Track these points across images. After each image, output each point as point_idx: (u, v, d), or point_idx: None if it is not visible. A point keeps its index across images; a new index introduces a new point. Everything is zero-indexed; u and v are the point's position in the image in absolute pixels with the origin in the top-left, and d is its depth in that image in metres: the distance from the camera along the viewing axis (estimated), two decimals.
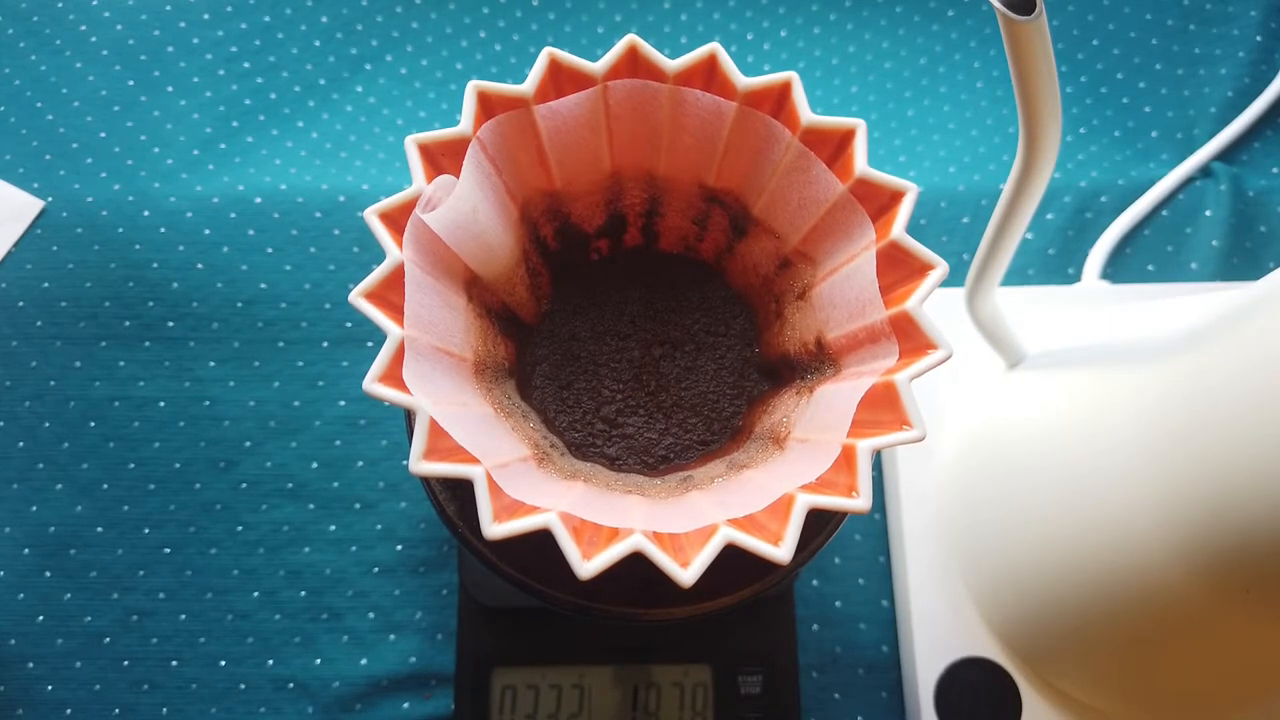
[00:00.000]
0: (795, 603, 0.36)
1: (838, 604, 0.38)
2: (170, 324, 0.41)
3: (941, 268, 0.20)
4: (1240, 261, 0.42)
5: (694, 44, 0.46)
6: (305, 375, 0.40)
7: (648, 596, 0.23)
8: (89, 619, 0.37)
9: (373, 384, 0.19)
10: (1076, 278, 0.42)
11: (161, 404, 0.40)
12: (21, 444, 0.39)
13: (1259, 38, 0.46)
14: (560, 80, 0.22)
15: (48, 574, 0.38)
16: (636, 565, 0.19)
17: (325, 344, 0.41)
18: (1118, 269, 0.42)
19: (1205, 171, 0.44)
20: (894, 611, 0.37)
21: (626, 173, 0.26)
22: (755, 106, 0.23)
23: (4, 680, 0.36)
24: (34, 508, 0.38)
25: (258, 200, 0.42)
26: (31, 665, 0.36)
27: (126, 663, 0.37)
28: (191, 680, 0.36)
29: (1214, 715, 0.30)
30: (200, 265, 0.41)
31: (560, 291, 0.27)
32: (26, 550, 0.38)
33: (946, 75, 0.47)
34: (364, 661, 0.37)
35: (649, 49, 0.22)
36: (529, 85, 0.22)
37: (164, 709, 0.36)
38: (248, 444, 0.39)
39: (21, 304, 0.41)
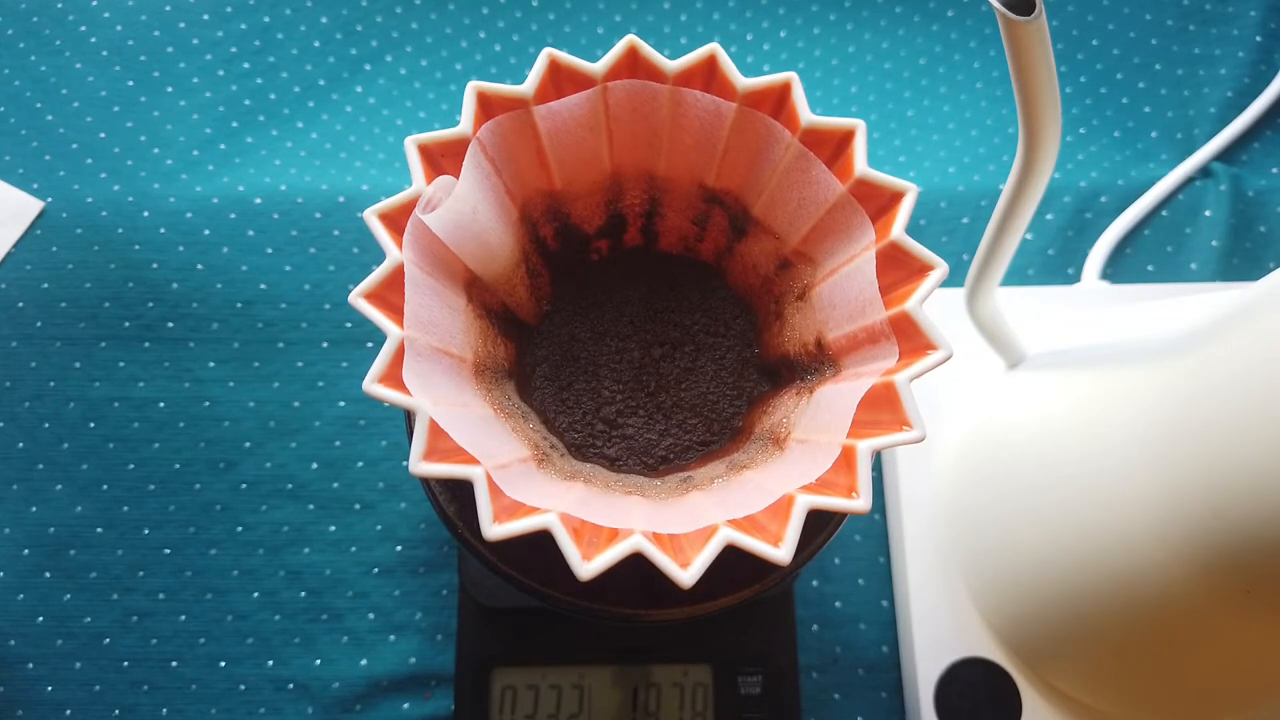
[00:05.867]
0: (795, 603, 0.36)
1: (838, 604, 0.38)
2: (170, 324, 0.41)
3: (941, 268, 0.20)
4: (1240, 261, 0.42)
5: (694, 44, 0.47)
6: (305, 376, 0.40)
7: (648, 597, 0.23)
8: (89, 620, 0.37)
9: (372, 385, 0.19)
10: (1076, 278, 0.42)
11: (161, 404, 0.40)
12: (21, 444, 0.39)
13: (1259, 38, 0.46)
14: (560, 81, 0.22)
15: (47, 575, 0.38)
16: (636, 566, 0.19)
17: (325, 344, 0.41)
18: (1118, 269, 0.42)
19: (1205, 172, 0.44)
20: (894, 611, 0.37)
21: (626, 173, 0.25)
22: (755, 107, 0.23)
23: (4, 681, 0.36)
24: (34, 508, 0.38)
25: (257, 201, 0.42)
26: (31, 666, 0.36)
27: (126, 663, 0.37)
28: (191, 681, 0.36)
29: (1214, 715, 0.30)
30: (200, 266, 0.41)
31: (560, 292, 0.27)
32: (26, 551, 0.38)
33: (946, 75, 0.47)
34: (364, 662, 0.37)
35: (648, 49, 0.22)
36: (529, 86, 0.22)
37: (164, 709, 0.36)
38: (247, 444, 0.39)
39: (21, 304, 0.41)
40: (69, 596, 0.37)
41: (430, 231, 0.21)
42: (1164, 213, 0.43)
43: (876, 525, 0.39)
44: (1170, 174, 0.43)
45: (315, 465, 0.39)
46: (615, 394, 0.26)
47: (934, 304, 0.34)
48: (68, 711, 0.36)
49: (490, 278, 0.24)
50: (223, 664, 0.37)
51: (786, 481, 0.20)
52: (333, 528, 0.38)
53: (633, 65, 0.22)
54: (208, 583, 0.38)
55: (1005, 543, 0.32)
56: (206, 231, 0.42)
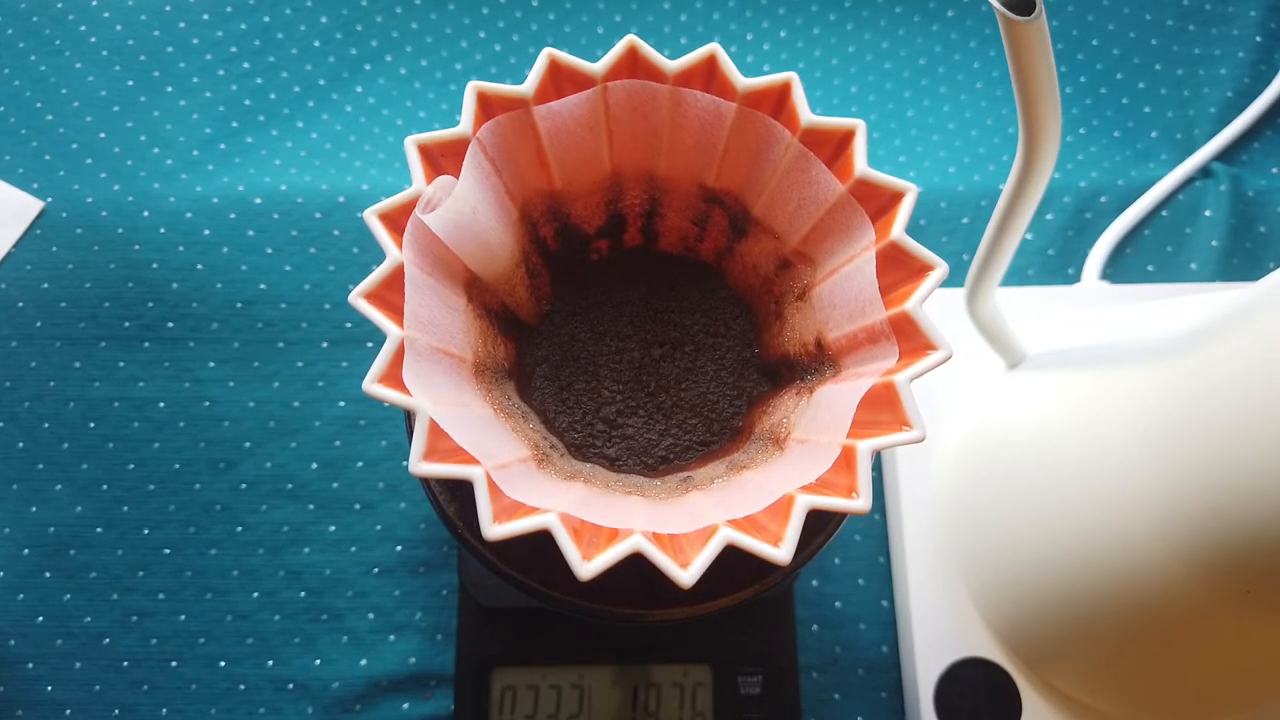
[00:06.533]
0: (795, 603, 0.36)
1: (838, 604, 0.38)
2: (170, 324, 0.41)
3: (941, 268, 0.20)
4: (1240, 261, 0.42)
5: (694, 44, 0.47)
6: (305, 375, 0.40)
7: (648, 597, 0.23)
8: (89, 619, 0.37)
9: (372, 385, 0.19)
10: (1076, 278, 0.42)
11: (161, 404, 0.40)
12: (21, 444, 0.39)
13: (1259, 38, 0.46)
14: (560, 81, 0.22)
15: (47, 574, 0.38)
16: (636, 566, 0.19)
17: (325, 344, 0.41)
18: (1118, 269, 0.42)
19: (1205, 172, 0.44)
20: (894, 611, 0.37)
21: (626, 173, 0.25)
22: (755, 107, 0.23)
23: (4, 680, 0.36)
24: (34, 508, 0.38)
25: (257, 201, 0.42)
26: (31, 666, 0.36)
27: (126, 663, 0.37)
28: (191, 681, 0.36)
29: (1214, 715, 0.30)
30: (200, 266, 0.41)
31: (560, 292, 0.27)
32: (26, 551, 0.38)
33: (946, 75, 0.47)
34: (364, 662, 0.37)
35: (648, 49, 0.22)
36: (529, 86, 0.22)
37: (163, 709, 0.36)
38: (247, 444, 0.39)
39: (21, 304, 0.41)
40: (69, 596, 0.37)
41: (430, 231, 0.21)
42: (1164, 213, 0.43)
43: (876, 525, 0.39)
44: (1170, 174, 0.43)
45: (315, 465, 0.39)
46: (615, 394, 0.26)
47: (934, 304, 0.34)
48: (68, 711, 0.36)
49: (490, 278, 0.24)
50: (223, 664, 0.37)
51: (786, 481, 0.20)
52: (333, 528, 0.38)
53: (633, 65, 0.22)
54: (208, 583, 0.38)
55: (1005, 543, 0.32)
56: (206, 231, 0.42)
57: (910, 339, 0.20)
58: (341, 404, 0.40)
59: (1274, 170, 0.44)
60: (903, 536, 0.36)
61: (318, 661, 0.37)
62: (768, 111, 0.23)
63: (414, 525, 0.39)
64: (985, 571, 0.33)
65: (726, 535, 0.19)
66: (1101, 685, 0.32)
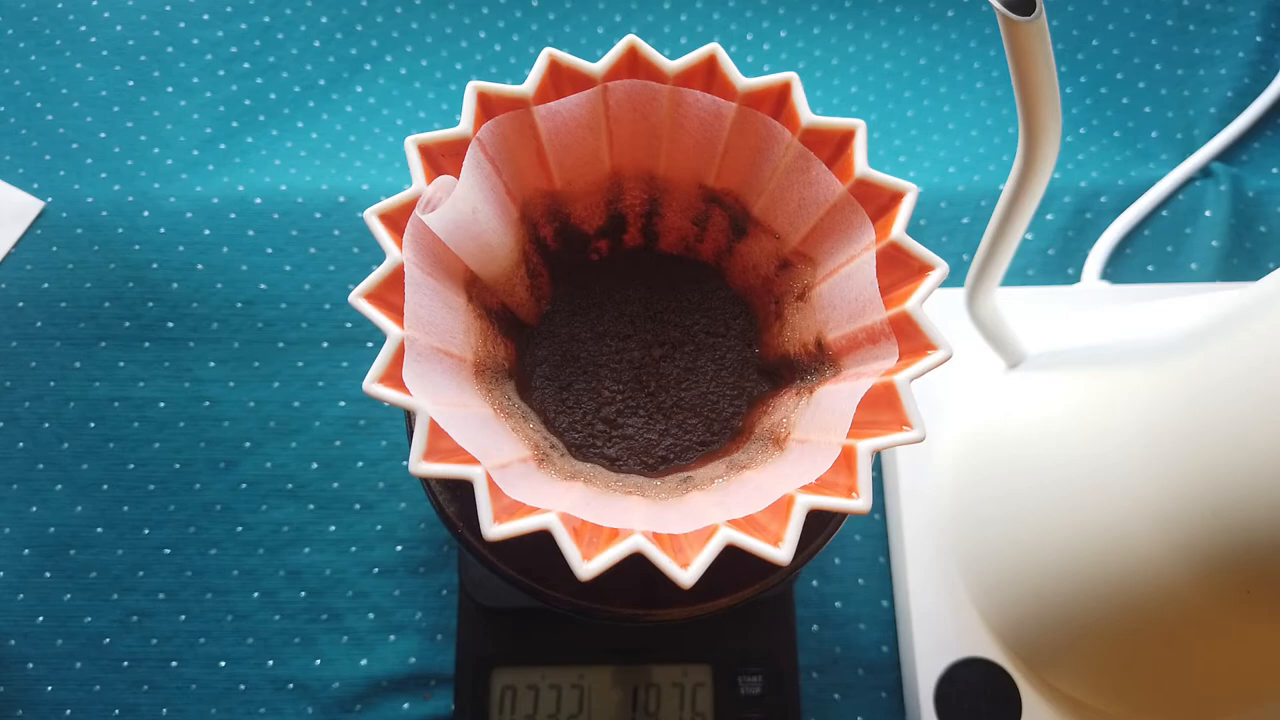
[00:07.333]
0: (795, 603, 0.36)
1: (838, 604, 0.38)
2: (170, 324, 0.41)
3: (941, 268, 0.20)
4: (1240, 262, 0.42)
5: (694, 44, 0.47)
6: (305, 375, 0.40)
7: (648, 597, 0.23)
8: (89, 619, 0.37)
9: (372, 385, 0.19)
10: (1076, 278, 0.42)
11: (161, 404, 0.40)
12: (21, 444, 0.39)
13: (1259, 38, 0.46)
14: (560, 81, 0.22)
15: (47, 574, 0.38)
16: (636, 566, 0.19)
17: (325, 344, 0.41)
18: (1118, 269, 0.42)
19: (1205, 172, 0.44)
20: (894, 611, 0.37)
21: (626, 173, 0.25)
22: (755, 107, 0.23)
23: (4, 681, 0.36)
24: (34, 508, 0.38)
25: (257, 201, 0.42)
26: (31, 666, 0.36)
27: (126, 663, 0.37)
28: (191, 681, 0.36)
29: (1214, 715, 0.30)
30: (200, 266, 0.41)
31: (560, 292, 0.27)
32: (26, 551, 0.38)
33: (946, 75, 0.47)
34: (364, 662, 0.37)
35: (649, 49, 0.22)
36: (529, 86, 0.22)
37: (164, 709, 0.36)
38: (247, 444, 0.39)
39: (21, 304, 0.41)
40: (69, 596, 0.37)
41: (430, 231, 0.21)
42: (1164, 213, 0.43)
43: (876, 525, 0.39)
44: (1170, 174, 0.43)
45: (315, 465, 0.39)
46: (615, 394, 0.26)
47: (934, 304, 0.34)
48: (68, 711, 0.36)
49: (490, 278, 0.24)
50: (223, 664, 0.37)
51: (786, 481, 0.20)
52: (333, 528, 0.38)
53: (633, 65, 0.22)
54: (208, 583, 0.38)
55: (1005, 543, 0.32)
56: (206, 231, 0.42)
57: (910, 339, 0.20)
58: (341, 404, 0.40)
59: (1274, 170, 0.44)
60: (903, 536, 0.36)
61: (318, 661, 0.37)
62: (768, 111, 0.23)
63: (414, 525, 0.39)
64: (985, 571, 0.33)
65: (726, 535, 0.19)
66: (1101, 685, 0.32)
